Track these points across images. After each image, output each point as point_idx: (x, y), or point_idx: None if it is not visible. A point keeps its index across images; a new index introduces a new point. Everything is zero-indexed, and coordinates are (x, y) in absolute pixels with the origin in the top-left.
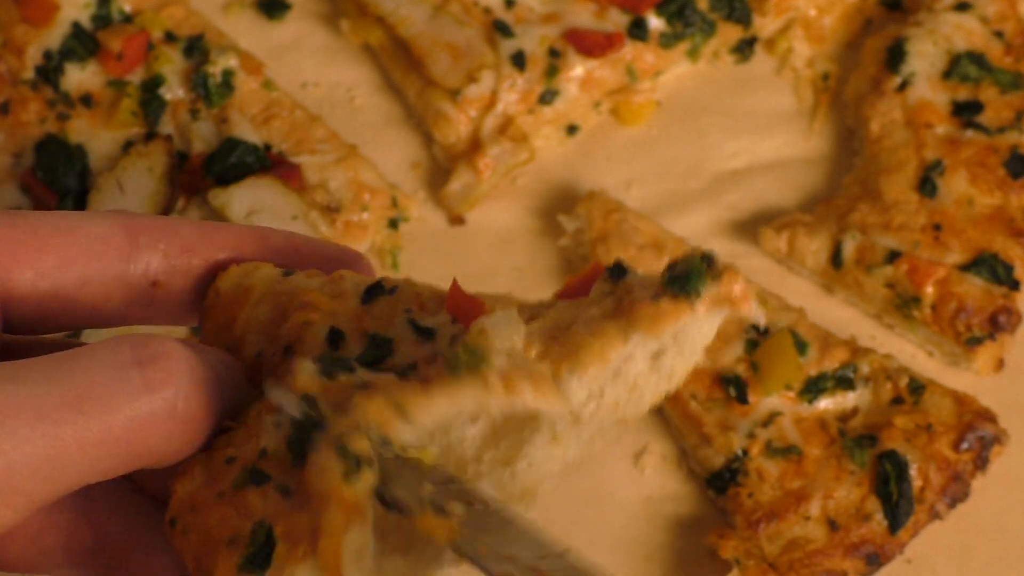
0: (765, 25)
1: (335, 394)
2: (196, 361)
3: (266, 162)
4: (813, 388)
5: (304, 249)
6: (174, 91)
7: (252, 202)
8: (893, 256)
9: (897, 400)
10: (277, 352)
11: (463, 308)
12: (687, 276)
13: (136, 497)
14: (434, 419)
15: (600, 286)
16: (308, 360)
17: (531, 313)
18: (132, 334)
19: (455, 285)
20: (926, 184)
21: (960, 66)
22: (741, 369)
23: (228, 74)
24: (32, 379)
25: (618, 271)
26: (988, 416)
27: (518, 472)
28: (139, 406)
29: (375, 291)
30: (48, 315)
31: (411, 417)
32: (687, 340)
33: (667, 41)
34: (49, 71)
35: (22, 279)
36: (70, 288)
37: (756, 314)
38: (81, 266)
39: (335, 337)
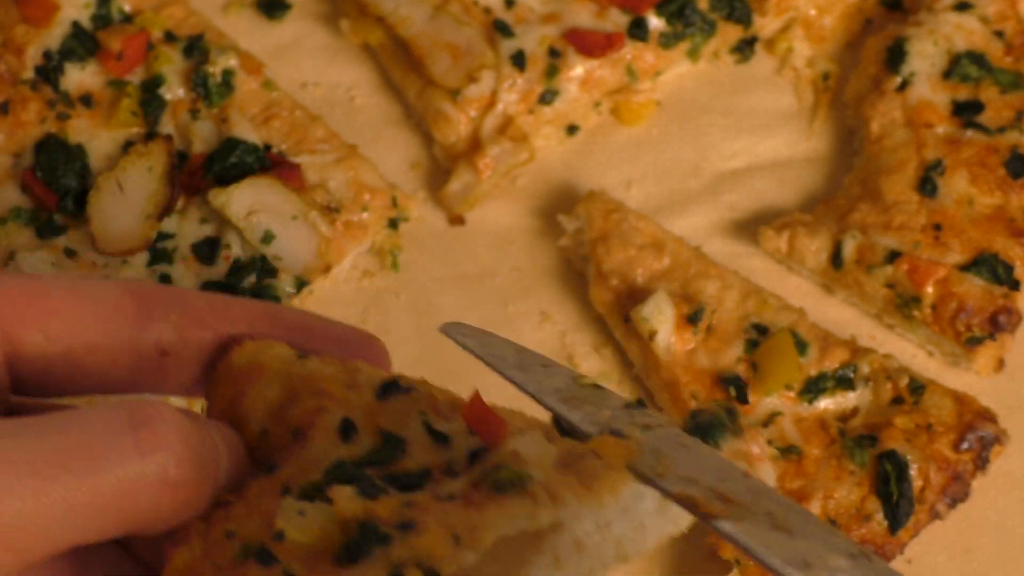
0: (765, 25)
1: (384, 514)
2: (191, 429)
3: (266, 162)
4: (813, 388)
5: (317, 329)
6: (174, 91)
7: (252, 202)
8: (893, 256)
9: (897, 400)
10: (285, 434)
11: (485, 424)
12: (710, 426)
13: (130, 564)
14: (491, 540)
15: None
16: (346, 487)
17: (547, 436)
18: (131, 399)
19: (476, 397)
20: (926, 184)
21: (960, 66)
22: (741, 369)
23: (228, 74)
24: (25, 435)
25: None
26: (988, 416)
27: None
28: (130, 468)
29: (391, 388)
30: (57, 378)
31: (470, 545)
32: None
33: (667, 41)
34: (49, 71)
35: (32, 341)
36: (79, 353)
37: (769, 475)
38: (91, 331)
39: (348, 428)
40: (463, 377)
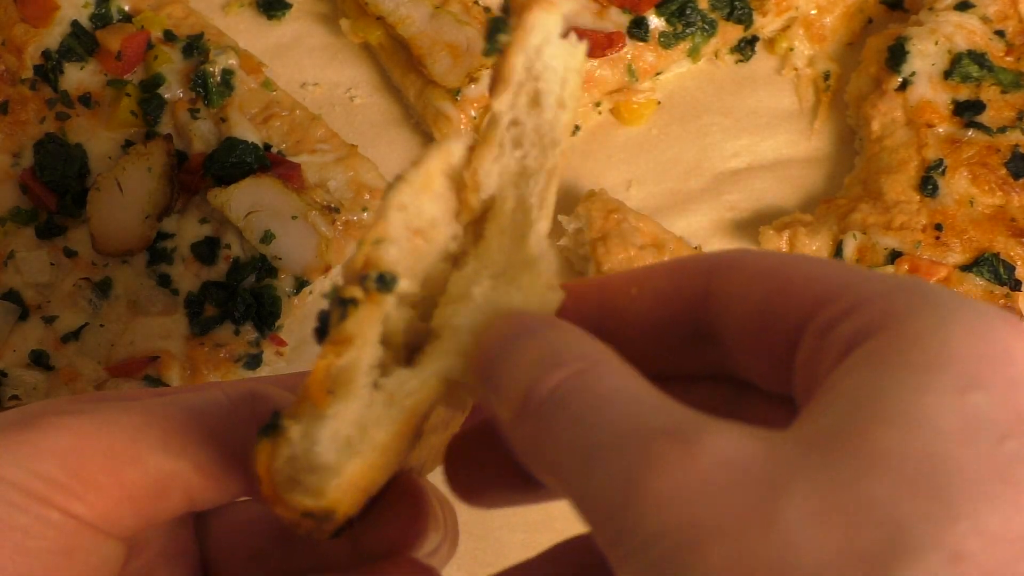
0: (766, 24)
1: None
2: None
3: (266, 162)
4: None
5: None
6: (173, 91)
7: (252, 202)
8: (894, 256)
9: None
10: None
11: None
12: (488, 36)
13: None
14: None
15: None
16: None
17: None
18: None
19: None
20: (927, 184)
21: (961, 65)
22: None
23: (227, 73)
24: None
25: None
26: None
27: None
28: None
29: None
30: None
31: None
32: (550, 70)
33: (667, 41)
34: (48, 70)
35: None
36: None
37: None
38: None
39: None
40: None
